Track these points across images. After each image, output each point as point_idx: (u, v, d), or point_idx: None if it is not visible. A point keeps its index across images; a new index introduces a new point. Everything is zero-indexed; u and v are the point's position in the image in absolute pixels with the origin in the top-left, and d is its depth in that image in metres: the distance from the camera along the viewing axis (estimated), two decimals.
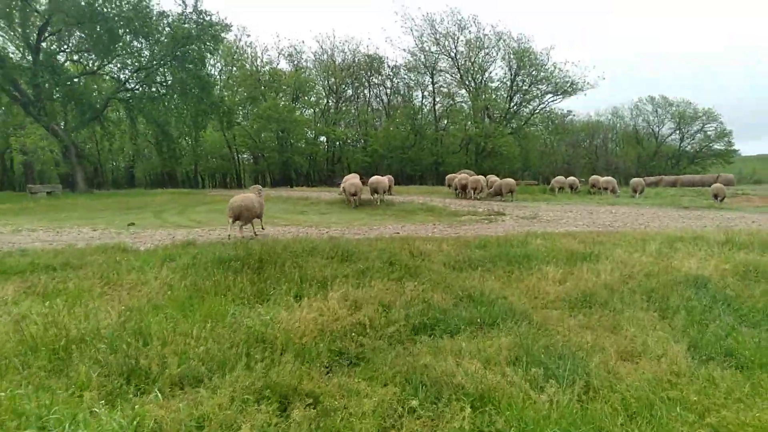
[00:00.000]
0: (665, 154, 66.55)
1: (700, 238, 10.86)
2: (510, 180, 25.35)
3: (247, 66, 55.35)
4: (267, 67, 56.09)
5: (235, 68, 56.49)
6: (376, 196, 20.91)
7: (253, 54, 56.17)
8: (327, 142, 58.76)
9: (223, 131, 49.22)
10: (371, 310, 5.87)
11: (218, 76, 55.09)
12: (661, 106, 67.08)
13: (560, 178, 30.88)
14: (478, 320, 5.74)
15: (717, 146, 65.23)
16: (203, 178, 63.41)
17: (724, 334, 4.99)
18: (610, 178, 29.97)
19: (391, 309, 6.06)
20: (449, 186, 27.25)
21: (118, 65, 34.48)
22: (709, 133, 65.48)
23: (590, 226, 14.64)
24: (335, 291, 6.56)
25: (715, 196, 23.52)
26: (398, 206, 20.55)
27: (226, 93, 56.42)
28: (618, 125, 70.32)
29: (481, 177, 26.30)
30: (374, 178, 21.21)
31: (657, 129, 68.24)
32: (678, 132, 66.80)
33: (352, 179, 22.14)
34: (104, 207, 23.18)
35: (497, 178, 27.42)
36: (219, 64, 55.68)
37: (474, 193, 25.21)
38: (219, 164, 59.52)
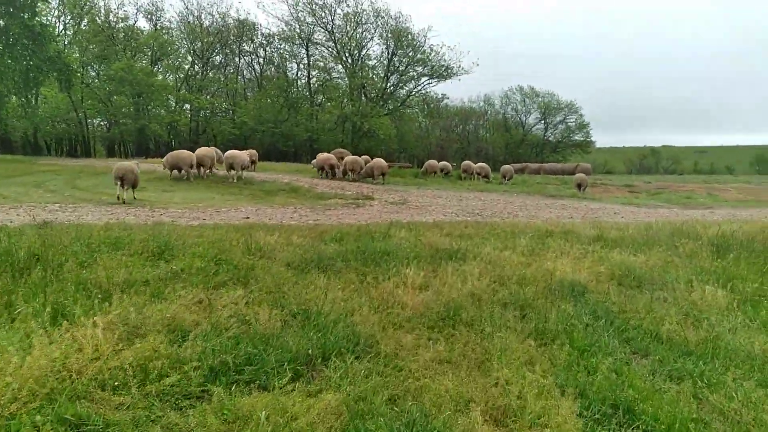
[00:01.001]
0: (531, 143, 70.26)
1: (571, 233, 10.26)
2: (381, 161, 24.19)
3: (98, 20, 48.68)
4: (121, 24, 49.79)
5: (84, 22, 49.47)
6: (232, 172, 18.56)
7: (106, 7, 49.54)
8: (190, 110, 53.92)
9: (65, 92, 42.72)
10: (153, 342, 4.03)
11: (62, 30, 47.90)
12: (529, 96, 70.56)
13: (432, 162, 30.45)
14: (308, 353, 4.16)
15: (577, 137, 70.12)
16: (48, 144, 55.20)
17: (617, 377, 3.87)
18: (483, 164, 30.05)
19: (188, 338, 4.27)
20: (317, 168, 25.07)
21: None
22: (570, 124, 70.16)
23: (459, 215, 13.78)
24: (113, 309, 4.60)
25: (579, 186, 24.27)
26: (258, 185, 18.44)
27: (75, 49, 49.35)
28: (489, 112, 72.91)
29: (358, 157, 24.90)
30: (230, 153, 18.85)
31: (524, 118, 71.79)
32: (543, 122, 70.80)
33: (201, 151, 19.72)
34: None
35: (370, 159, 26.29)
36: (63, 16, 48.40)
37: (352, 174, 23.75)
38: (64, 129, 52.04)
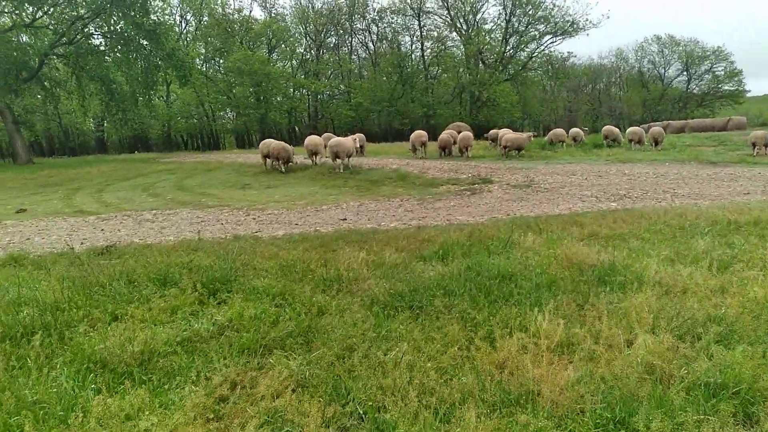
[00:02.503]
0: (672, 98, 62.17)
1: (767, 224, 7.39)
2: (466, 134, 21.67)
3: (219, 10, 50.34)
4: (237, 15, 51.13)
5: (205, 17, 51.57)
6: (338, 161, 17.26)
7: (222, 1, 51.12)
8: (308, 95, 54.35)
9: (183, 87, 44.64)
10: None
11: (180, 25, 50.21)
12: (668, 45, 62.24)
13: (559, 130, 26.97)
14: None
15: (727, 87, 60.76)
16: (184, 139, 59.02)
17: None
18: (637, 128, 25.63)
19: None
20: (412, 148, 23.12)
21: (54, 15, 29.89)
22: (718, 73, 60.92)
23: (601, 199, 11.12)
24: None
25: (753, 145, 20.27)
26: (364, 174, 16.95)
27: (198, 44, 51.72)
28: (622, 68, 65.62)
29: (468, 133, 22.59)
30: (335, 140, 17.50)
31: (663, 71, 63.66)
32: (685, 73, 62.25)
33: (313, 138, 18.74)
34: (19, 182, 19.61)
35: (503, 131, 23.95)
36: (182, 11, 50.68)
37: (467, 151, 21.56)
38: (194, 124, 55.15)
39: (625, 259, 5.91)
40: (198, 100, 50.58)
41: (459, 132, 23.97)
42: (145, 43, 30.27)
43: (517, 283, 5.27)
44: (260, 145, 19.58)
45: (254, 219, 10.60)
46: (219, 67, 52.31)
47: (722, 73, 60.53)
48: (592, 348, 3.90)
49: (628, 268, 5.54)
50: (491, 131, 27.47)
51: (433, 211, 10.56)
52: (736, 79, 60.22)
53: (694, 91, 62.36)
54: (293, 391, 3.62)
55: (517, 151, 22.21)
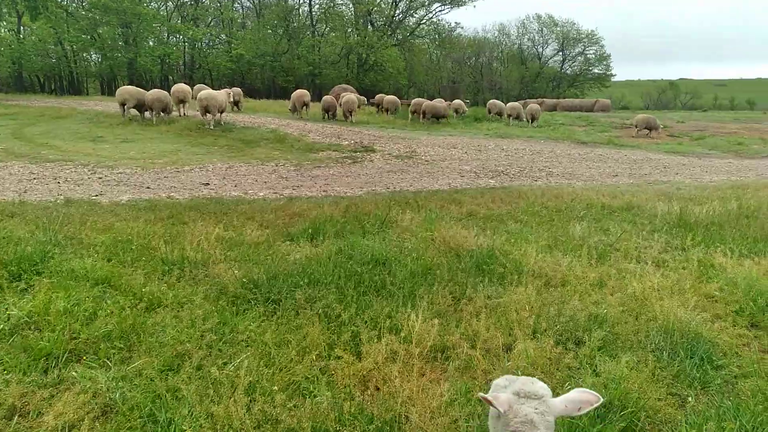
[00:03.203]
0: (547, 76, 65.78)
1: (637, 210, 7.55)
2: (351, 96, 21.21)
3: None
4: None
5: None
6: (208, 116, 15.66)
7: None
8: (184, 42, 49.97)
9: (33, 20, 38.65)
10: None
11: None
12: (547, 25, 65.45)
13: (435, 104, 27.03)
14: None
15: (596, 70, 65.51)
16: (40, 81, 51.36)
17: None
18: (516, 104, 26.57)
19: None
20: (292, 108, 21.89)
21: None
22: (589, 56, 65.37)
23: (480, 174, 11.00)
24: None
25: (649, 128, 22.59)
26: (238, 133, 15.58)
27: None
28: (504, 43, 67.97)
29: (353, 96, 21.80)
30: (205, 92, 15.80)
31: (541, 50, 66.97)
32: (560, 54, 66.00)
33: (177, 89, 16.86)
34: None
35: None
36: None
37: (351, 116, 20.77)
38: (48, 64, 48.26)
39: (503, 244, 5.58)
40: (56, 37, 44.24)
41: (339, 95, 23.11)
42: None
43: (391, 269, 4.70)
44: (117, 92, 17.29)
45: (99, 179, 9.10)
46: (83, 2, 46.05)
47: (593, 56, 65.00)
48: (469, 353, 3.43)
49: (506, 255, 5.20)
50: (380, 95, 26.93)
51: (310, 180, 9.76)
52: (604, 63, 64.99)
53: (567, 72, 66.38)
54: (95, 419, 2.75)
55: (436, 119, 22.99)
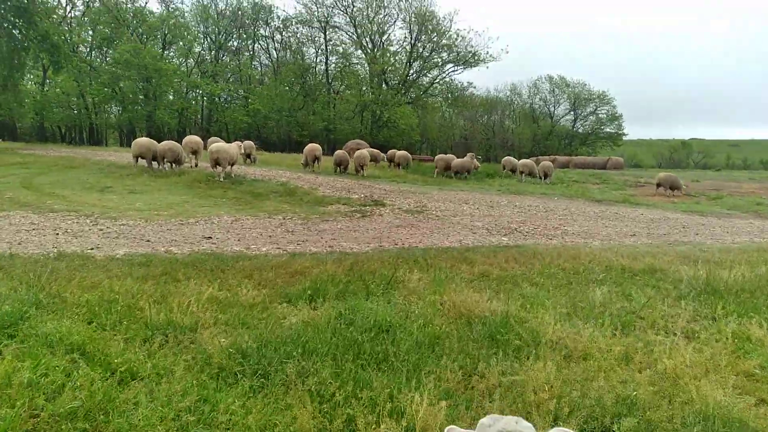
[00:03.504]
0: (559, 134, 66.18)
1: (660, 273, 7.08)
2: (363, 152, 21.29)
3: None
4: (130, 5, 47.23)
5: (96, 2, 46.97)
6: (218, 169, 15.62)
7: None
8: (203, 97, 51.27)
9: (55, 74, 39.84)
10: None
11: (69, 10, 45.45)
12: (559, 86, 66.37)
13: (450, 157, 27.09)
14: None
15: (608, 129, 65.89)
16: (62, 132, 52.59)
17: None
18: (528, 161, 26.57)
19: None
20: (304, 162, 22.00)
21: None
22: (601, 116, 65.90)
23: (492, 231, 10.62)
24: None
25: (671, 188, 22.36)
26: (248, 185, 15.46)
27: (85, 30, 46.91)
28: (516, 102, 68.86)
29: (366, 152, 21.84)
30: (216, 146, 15.85)
31: (553, 109, 67.68)
32: (572, 113, 66.63)
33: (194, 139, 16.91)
34: None
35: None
36: None
37: (362, 170, 20.74)
38: (69, 115, 49.59)
39: (518, 310, 5.15)
40: (78, 90, 45.69)
41: (357, 149, 23.23)
42: (15, 21, 26.42)
43: (395, 338, 4.28)
44: (133, 144, 17.42)
45: (100, 230, 8.86)
46: (107, 57, 47.76)
47: (605, 115, 65.55)
48: None
49: (522, 323, 4.76)
50: (392, 151, 27.09)
51: (317, 234, 9.44)
52: (616, 122, 65.43)
53: (579, 130, 66.83)
54: None
55: (464, 174, 23.44)
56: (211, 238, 8.63)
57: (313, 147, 21.80)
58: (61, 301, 4.79)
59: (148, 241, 8.14)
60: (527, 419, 3.25)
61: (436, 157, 25.73)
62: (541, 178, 24.45)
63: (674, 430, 3.20)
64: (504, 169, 26.37)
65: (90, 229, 8.95)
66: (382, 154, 26.43)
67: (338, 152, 22.19)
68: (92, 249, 7.30)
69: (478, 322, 4.75)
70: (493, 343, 4.36)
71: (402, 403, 3.27)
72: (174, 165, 17.03)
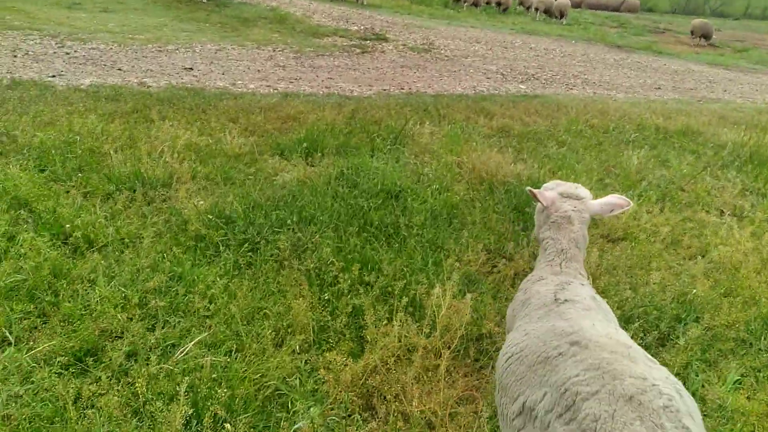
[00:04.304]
0: None
1: (696, 135, 6.33)
2: None
3: None
4: None
5: None
6: None
7: None
8: None
9: None
10: None
11: None
12: None
13: None
14: None
15: None
16: None
17: None
18: None
19: None
20: None
21: None
22: None
23: (508, 77, 9.55)
24: None
25: (704, 37, 20.25)
26: (235, 8, 13.68)
27: None
28: None
29: None
30: None
31: None
32: None
33: None
34: None
35: None
36: None
37: None
38: None
39: (546, 175, 4.45)
40: None
41: None
42: None
43: (406, 206, 3.62)
44: None
45: (66, 54, 7.71)
46: None
47: None
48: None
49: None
50: None
51: (311, 71, 8.37)
52: None
53: None
54: None
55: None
56: (192, 69, 7.56)
57: None
58: (9, 141, 4.00)
59: (119, 69, 7.08)
60: None
61: None
62: (556, 17, 22.34)
63: (737, 338, 2.70)
64: (521, 5, 24.02)
65: (54, 53, 7.78)
66: None
67: None
68: (53, 76, 6.29)
69: (501, 189, 4.08)
70: (520, 216, 3.73)
71: (418, 292, 2.69)
72: None
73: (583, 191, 2.04)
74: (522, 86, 8.78)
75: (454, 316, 2.49)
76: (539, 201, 2.01)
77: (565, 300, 1.64)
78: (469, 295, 2.58)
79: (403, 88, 7.53)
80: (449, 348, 2.39)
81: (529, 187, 2.05)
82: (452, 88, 7.91)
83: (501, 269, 3.11)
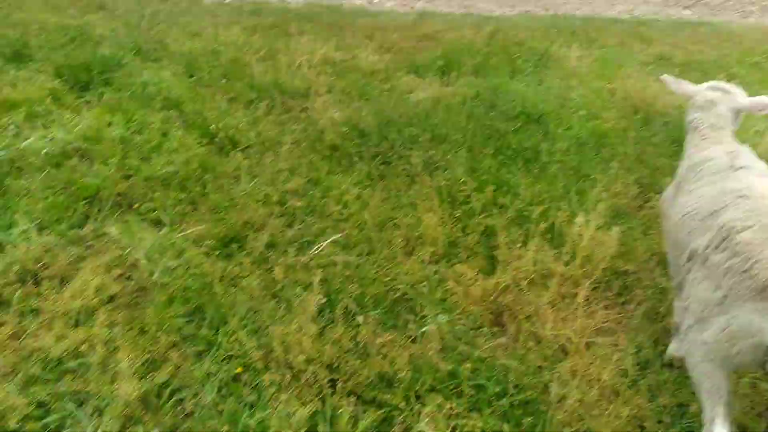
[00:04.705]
0: None
1: None
2: None
3: None
4: None
5: None
6: None
7: None
8: None
9: None
10: None
11: None
12: None
13: None
14: None
15: None
16: None
17: None
18: None
19: None
20: None
21: None
22: None
23: (669, 1, 8.44)
24: None
25: None
26: None
27: None
28: None
29: None
30: None
31: None
32: None
33: None
34: None
35: None
36: None
37: None
38: None
39: None
40: None
41: None
42: None
43: (548, 131, 3.36)
44: None
45: None
46: None
47: None
48: (659, 284, 2.23)
49: None
50: None
51: None
52: None
53: None
54: (128, 299, 2.00)
55: None
56: None
57: None
58: (161, 48, 4.26)
59: None
60: None
61: None
62: None
63: None
64: None
65: None
66: None
67: None
68: None
69: (659, 121, 3.64)
70: (680, 150, 3.30)
71: (558, 220, 2.50)
72: None
73: (734, 87, 2.08)
74: (687, 11, 7.74)
75: (597, 248, 2.29)
76: (671, 86, 2.21)
77: (741, 167, 1.72)
78: (616, 228, 2.34)
79: (548, 10, 6.95)
80: (590, 279, 2.21)
81: (663, 75, 2.25)
82: (605, 11, 7.16)
83: (654, 205, 2.80)
